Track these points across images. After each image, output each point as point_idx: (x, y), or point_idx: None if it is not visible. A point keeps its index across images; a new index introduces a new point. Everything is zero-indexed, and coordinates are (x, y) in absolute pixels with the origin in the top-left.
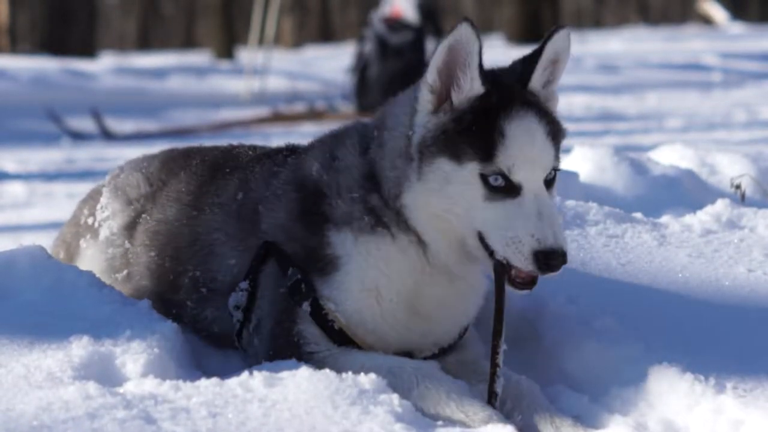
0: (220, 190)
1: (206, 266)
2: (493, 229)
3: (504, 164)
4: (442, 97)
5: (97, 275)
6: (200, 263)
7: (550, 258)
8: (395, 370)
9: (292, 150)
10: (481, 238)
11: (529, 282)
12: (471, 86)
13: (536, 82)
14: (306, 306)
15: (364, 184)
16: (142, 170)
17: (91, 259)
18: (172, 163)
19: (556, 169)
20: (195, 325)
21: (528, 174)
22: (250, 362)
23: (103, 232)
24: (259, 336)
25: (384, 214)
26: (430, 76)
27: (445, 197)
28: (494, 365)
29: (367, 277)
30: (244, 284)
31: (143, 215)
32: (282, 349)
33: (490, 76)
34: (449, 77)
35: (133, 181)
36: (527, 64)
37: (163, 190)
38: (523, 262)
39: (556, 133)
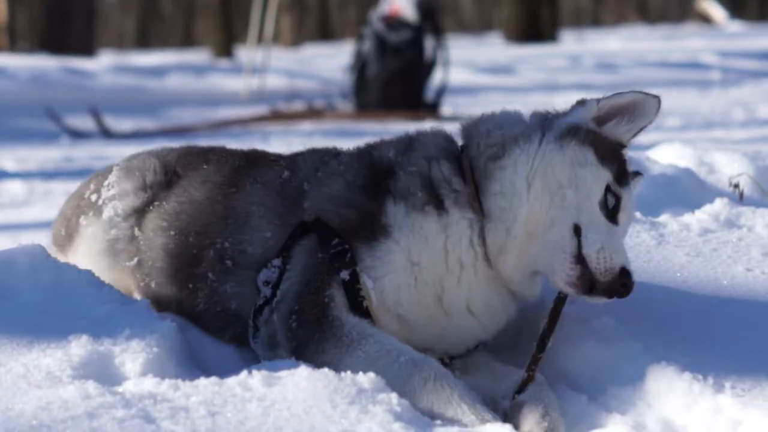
0: (264, 172)
1: (238, 237)
2: (596, 230)
3: (624, 198)
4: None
5: (95, 255)
6: (232, 233)
7: (629, 280)
8: (418, 360)
9: (339, 150)
10: (576, 231)
11: (588, 286)
12: (627, 131)
13: None
14: (345, 274)
15: (437, 154)
16: (160, 158)
17: (91, 237)
18: (190, 156)
19: None
20: (211, 299)
21: (626, 222)
22: (255, 347)
23: (107, 212)
24: (281, 305)
25: (445, 186)
26: (607, 104)
27: (571, 176)
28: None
29: (412, 250)
30: (277, 261)
31: (156, 202)
32: (307, 308)
33: None
34: (615, 116)
35: (150, 165)
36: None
37: (182, 180)
38: (607, 269)
39: None
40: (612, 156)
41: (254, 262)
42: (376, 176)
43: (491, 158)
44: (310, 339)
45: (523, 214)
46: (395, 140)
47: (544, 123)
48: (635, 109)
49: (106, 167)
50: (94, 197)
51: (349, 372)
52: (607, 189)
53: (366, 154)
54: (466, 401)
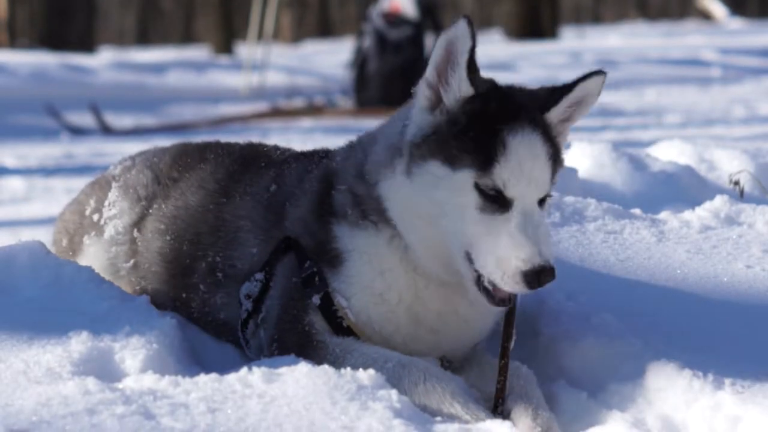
0: (254, 181)
1: (227, 252)
2: (481, 251)
3: (501, 177)
4: (440, 94)
5: (98, 272)
6: (222, 248)
7: (539, 276)
8: (405, 362)
9: (327, 152)
10: (468, 257)
11: (506, 299)
12: (459, 87)
13: (555, 114)
14: (316, 299)
15: (354, 170)
16: (152, 167)
17: (93, 257)
18: (186, 157)
19: (548, 195)
20: (203, 309)
21: (523, 191)
22: (250, 355)
23: (108, 231)
24: (266, 326)
25: (366, 203)
26: (429, 71)
27: (434, 203)
28: (503, 374)
29: (366, 274)
30: (260, 275)
31: (153, 208)
32: (287, 336)
33: (494, 85)
34: (443, 75)
35: (143, 179)
36: (553, 95)
37: (179, 182)
38: (511, 285)
39: (556, 159)
40: (462, 141)
41: (242, 276)
42: (321, 192)
43: (371, 184)
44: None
45: (417, 241)
46: (344, 147)
47: (396, 150)
48: (451, 50)
49: (105, 175)
50: (96, 217)
51: (348, 369)
52: (476, 187)
53: (323, 167)
54: (459, 400)
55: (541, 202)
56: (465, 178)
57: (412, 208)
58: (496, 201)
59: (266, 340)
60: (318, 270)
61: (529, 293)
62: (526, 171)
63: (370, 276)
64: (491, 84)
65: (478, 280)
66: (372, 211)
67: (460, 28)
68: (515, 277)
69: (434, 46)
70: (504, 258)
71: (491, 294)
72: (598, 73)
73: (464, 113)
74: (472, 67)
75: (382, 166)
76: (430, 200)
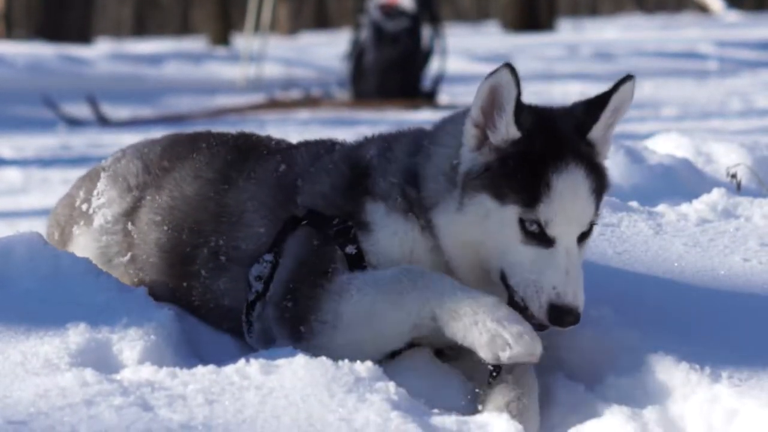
0: (258, 166)
1: (232, 234)
2: (518, 271)
3: (543, 216)
4: (485, 134)
5: None
6: (225, 231)
7: (564, 314)
8: (407, 267)
9: (335, 142)
10: (503, 277)
11: (540, 327)
12: (506, 131)
13: (597, 132)
14: (351, 249)
15: (405, 176)
16: (143, 157)
17: (83, 247)
18: (177, 147)
19: (593, 224)
20: (204, 297)
21: (564, 229)
22: (250, 341)
23: (98, 220)
24: (273, 300)
25: (417, 207)
26: (474, 112)
27: (482, 231)
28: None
29: (392, 248)
30: (269, 256)
31: (146, 199)
32: (303, 285)
33: (537, 119)
34: (489, 117)
35: (133, 168)
36: (590, 112)
37: (172, 172)
38: (537, 310)
39: (601, 188)
40: (511, 179)
41: (247, 258)
42: (353, 177)
43: (428, 208)
44: (306, 307)
45: (464, 263)
46: (376, 141)
47: (450, 180)
48: (497, 93)
49: (96, 167)
50: (84, 206)
51: (346, 360)
52: (520, 222)
53: (345, 153)
54: (461, 287)
55: (585, 234)
56: (511, 214)
57: (460, 236)
58: (539, 237)
59: (277, 300)
60: (350, 226)
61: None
62: (568, 210)
63: (398, 251)
64: (534, 118)
65: (512, 299)
66: (419, 216)
67: (504, 76)
68: (544, 307)
69: (479, 88)
70: (539, 283)
71: (527, 316)
72: (628, 78)
73: (511, 155)
74: (518, 112)
75: (439, 194)
76: (480, 228)
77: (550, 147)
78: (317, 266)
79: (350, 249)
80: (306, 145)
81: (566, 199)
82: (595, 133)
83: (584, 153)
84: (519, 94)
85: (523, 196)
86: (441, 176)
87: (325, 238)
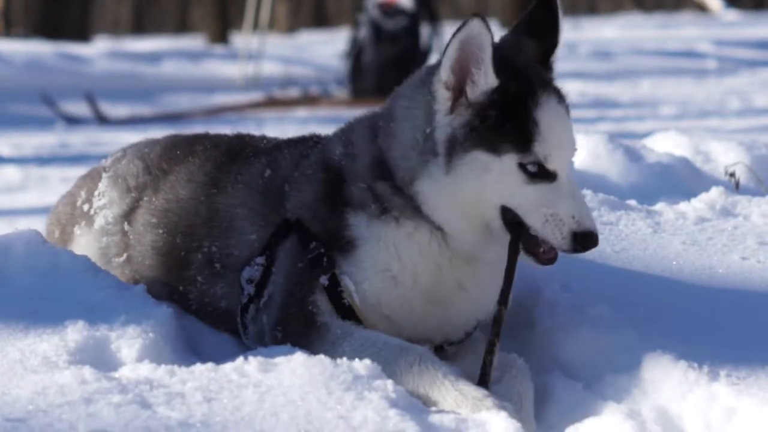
0: (244, 170)
1: (224, 241)
2: (532, 208)
3: (541, 154)
4: (457, 93)
5: None
6: (218, 238)
7: (587, 240)
8: (404, 346)
9: (319, 138)
10: (504, 215)
11: (553, 258)
12: (486, 81)
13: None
14: (324, 279)
15: (371, 171)
16: (143, 158)
17: (84, 247)
18: (175, 149)
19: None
20: (202, 300)
21: (562, 160)
22: (247, 342)
23: (99, 221)
24: (268, 310)
25: (389, 200)
26: (444, 73)
27: (480, 185)
28: (490, 351)
29: (381, 259)
30: (260, 259)
31: (143, 200)
32: (292, 318)
33: (502, 64)
34: (462, 73)
35: (133, 169)
36: (547, 39)
37: (169, 175)
38: (560, 241)
39: (569, 110)
40: (500, 130)
41: (241, 264)
42: (330, 182)
43: (407, 184)
44: (299, 345)
45: (462, 225)
46: (337, 135)
47: (429, 152)
48: (471, 45)
49: (97, 167)
50: (86, 207)
51: (345, 358)
52: (521, 166)
53: (318, 155)
54: (450, 379)
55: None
56: (510, 162)
57: (453, 198)
58: (541, 175)
59: (269, 324)
60: (325, 251)
61: (568, 254)
62: (560, 141)
63: (386, 260)
64: (504, 64)
65: (512, 238)
66: (394, 208)
67: (476, 26)
68: (567, 237)
69: (447, 50)
70: (557, 216)
71: (538, 253)
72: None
73: (490, 105)
74: (495, 58)
75: (415, 169)
76: (479, 184)
77: (526, 86)
78: (302, 303)
79: (323, 280)
80: (288, 145)
81: (556, 131)
82: (554, 60)
83: (551, 80)
84: (492, 39)
85: (517, 142)
86: (411, 151)
87: (303, 265)
